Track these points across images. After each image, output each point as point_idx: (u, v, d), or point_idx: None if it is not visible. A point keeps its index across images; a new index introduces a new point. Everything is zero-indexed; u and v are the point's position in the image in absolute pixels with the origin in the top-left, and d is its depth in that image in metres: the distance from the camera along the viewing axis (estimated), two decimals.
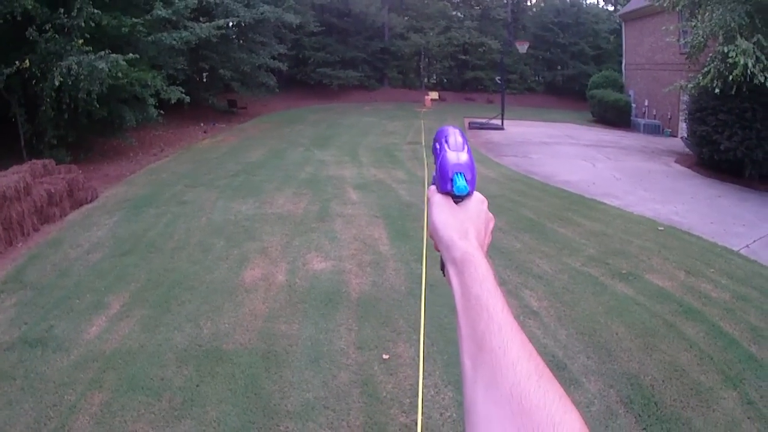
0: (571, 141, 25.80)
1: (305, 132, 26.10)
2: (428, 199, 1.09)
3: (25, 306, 7.85)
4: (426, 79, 52.74)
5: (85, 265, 9.32)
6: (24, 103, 16.93)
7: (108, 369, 6.27)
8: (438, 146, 1.12)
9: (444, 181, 1.06)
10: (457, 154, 1.07)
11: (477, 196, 1.08)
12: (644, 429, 5.47)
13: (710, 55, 17.28)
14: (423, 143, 22.59)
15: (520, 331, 0.80)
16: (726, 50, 15.60)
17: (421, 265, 8.98)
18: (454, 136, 1.11)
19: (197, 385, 5.98)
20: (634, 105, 34.07)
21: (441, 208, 1.04)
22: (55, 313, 7.57)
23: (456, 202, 1.06)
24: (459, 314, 0.87)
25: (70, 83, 15.46)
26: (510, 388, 0.71)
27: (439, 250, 1.03)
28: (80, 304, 7.86)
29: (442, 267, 1.03)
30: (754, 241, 11.39)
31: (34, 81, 16.29)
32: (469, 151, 1.09)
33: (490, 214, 1.09)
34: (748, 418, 5.65)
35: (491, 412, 0.71)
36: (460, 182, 1.05)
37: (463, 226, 1.01)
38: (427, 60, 52.73)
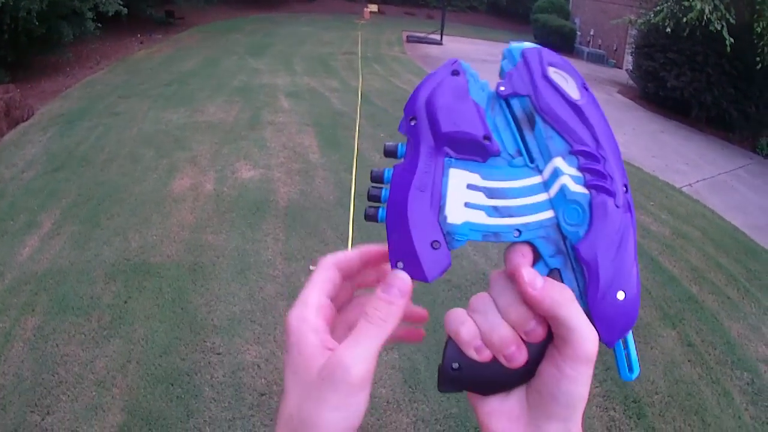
0: None
1: (241, 41, 25.03)
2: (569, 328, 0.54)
3: None
4: None
5: (19, 185, 8.80)
6: None
7: (40, 291, 5.95)
8: (607, 177, 0.55)
9: (613, 325, 0.56)
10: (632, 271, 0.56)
11: None
12: None
13: None
14: (359, 54, 22.00)
15: None
16: None
17: (351, 174, 8.74)
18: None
19: (125, 302, 5.72)
20: (579, 33, 33.24)
21: (587, 376, 0.57)
22: None
23: None
24: None
25: (11, 3, 14.62)
26: None
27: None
28: (14, 225, 7.41)
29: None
30: (698, 182, 11.24)
31: None
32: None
33: None
34: (689, 361, 5.59)
35: None
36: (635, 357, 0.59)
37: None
38: None
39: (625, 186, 0.55)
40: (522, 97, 0.58)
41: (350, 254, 0.68)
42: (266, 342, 5.20)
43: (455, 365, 0.58)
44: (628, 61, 23.55)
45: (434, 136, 0.57)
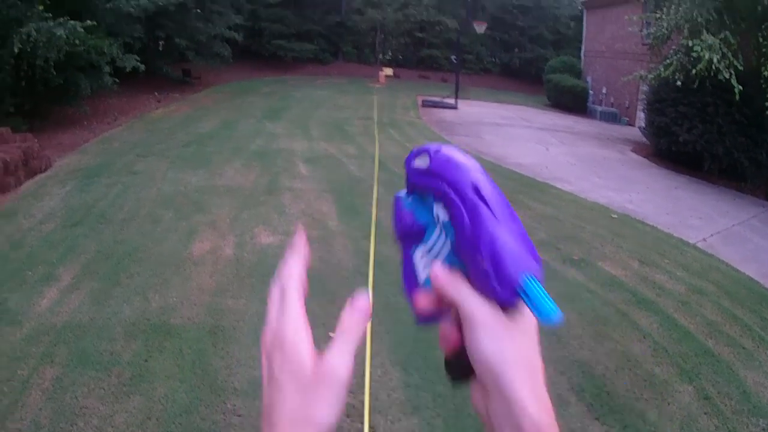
0: (525, 123, 25.67)
1: (257, 103, 25.70)
2: (455, 299, 0.71)
3: None
4: (381, 55, 52.26)
5: (38, 236, 9.16)
6: None
7: (59, 343, 6.21)
8: (453, 195, 0.71)
9: (500, 283, 0.66)
10: (511, 231, 0.69)
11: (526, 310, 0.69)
12: (597, 419, 5.51)
13: (673, 47, 17.31)
14: (375, 119, 22.42)
15: None
16: (691, 44, 15.56)
17: (370, 242, 8.99)
18: (487, 183, 0.72)
19: (145, 360, 5.96)
20: (591, 92, 33.95)
21: (495, 333, 0.68)
22: (8, 285, 7.45)
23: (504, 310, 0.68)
24: None
25: (29, 50, 15.09)
26: None
27: (454, 352, 0.73)
28: (33, 276, 7.74)
29: (450, 368, 0.75)
30: (711, 235, 11.43)
31: None
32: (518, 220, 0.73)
33: None
34: (705, 413, 5.73)
35: None
36: (545, 301, 0.66)
37: (535, 371, 0.72)
38: (383, 36, 52.17)
39: (474, 186, 0.70)
40: (415, 189, 0.79)
41: (300, 269, 0.85)
42: None
43: (448, 365, 0.74)
44: (641, 117, 24.11)
45: (398, 239, 0.82)
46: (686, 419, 5.63)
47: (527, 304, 0.66)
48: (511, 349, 0.68)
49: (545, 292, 0.66)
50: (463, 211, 0.69)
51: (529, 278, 0.67)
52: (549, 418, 0.68)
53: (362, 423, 5.24)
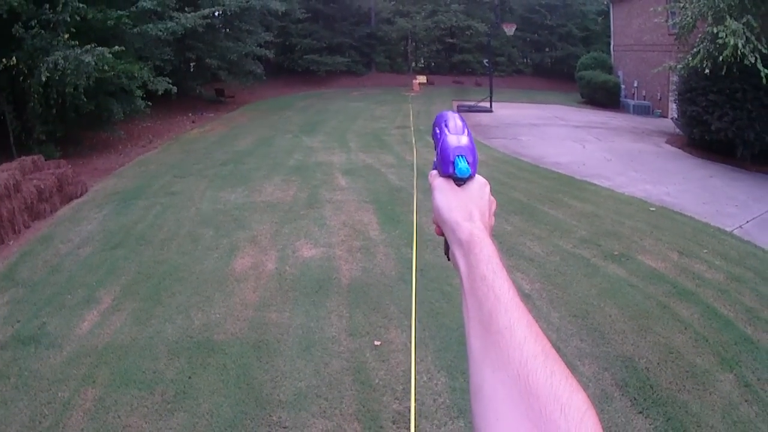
0: (560, 122, 25.75)
1: (293, 119, 25.95)
2: (430, 184, 1.10)
3: (17, 304, 7.83)
4: (414, 63, 52.47)
5: (76, 260, 9.28)
6: (12, 100, 16.87)
7: (101, 364, 6.26)
8: (438, 131, 1.13)
9: (445, 165, 1.07)
10: (457, 138, 1.08)
11: (479, 178, 1.09)
12: (641, 413, 5.44)
13: (699, 35, 17.23)
14: (412, 127, 22.46)
15: (526, 312, 0.80)
16: (715, 31, 15.56)
17: (412, 249, 8.95)
18: (454, 120, 1.12)
19: (189, 377, 5.97)
20: (623, 86, 34.07)
21: (444, 192, 1.06)
22: (47, 309, 7.55)
23: (458, 185, 1.07)
24: (465, 295, 0.88)
25: (57, 78, 15.34)
26: (517, 369, 0.71)
27: (442, 234, 1.06)
28: (72, 299, 7.83)
29: (446, 250, 1.05)
30: (747, 222, 11.37)
31: (21, 78, 16.23)
32: (469, 134, 1.10)
33: (492, 197, 1.10)
34: (746, 401, 5.64)
35: (498, 393, 0.71)
36: (462, 165, 1.06)
37: (467, 208, 1.03)
38: (414, 44, 52.42)
39: (446, 124, 1.11)
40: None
41: None
42: (333, 416, 5.38)
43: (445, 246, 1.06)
44: (673, 109, 23.97)
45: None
46: (727, 407, 5.57)
47: (455, 168, 1.06)
48: (453, 199, 1.04)
49: (467, 163, 1.06)
50: (438, 133, 1.13)
51: (458, 156, 1.06)
52: (478, 231, 0.97)
53: (408, 428, 5.20)
